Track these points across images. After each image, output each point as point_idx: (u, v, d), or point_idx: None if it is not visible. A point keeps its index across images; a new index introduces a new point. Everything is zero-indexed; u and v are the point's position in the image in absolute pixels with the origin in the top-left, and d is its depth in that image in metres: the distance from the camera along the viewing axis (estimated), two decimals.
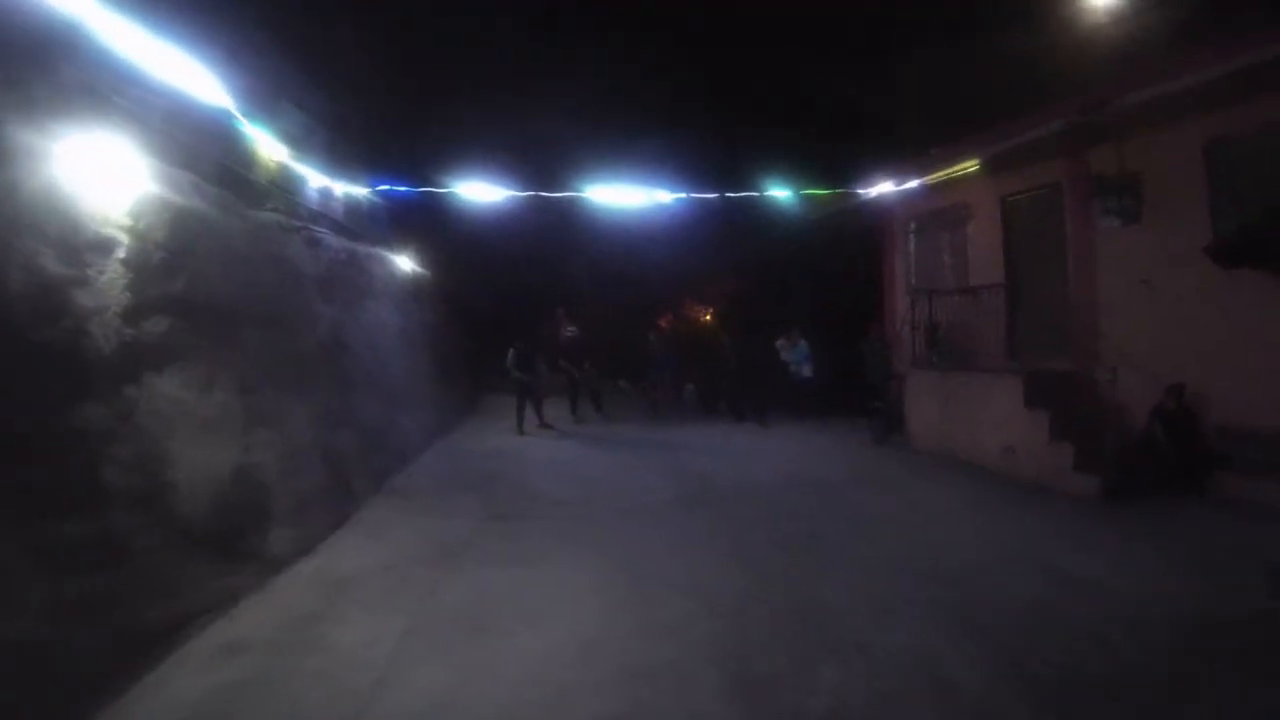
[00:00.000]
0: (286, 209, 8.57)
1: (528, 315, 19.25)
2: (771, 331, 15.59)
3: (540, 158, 15.18)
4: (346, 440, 8.02)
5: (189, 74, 6.43)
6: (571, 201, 12.97)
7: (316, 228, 9.19)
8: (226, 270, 6.51)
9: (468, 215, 15.06)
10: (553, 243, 18.75)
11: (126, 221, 5.40)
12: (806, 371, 14.85)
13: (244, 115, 7.59)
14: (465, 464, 10.13)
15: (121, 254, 5.30)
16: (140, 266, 5.44)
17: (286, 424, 6.81)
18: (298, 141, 9.54)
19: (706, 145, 16.77)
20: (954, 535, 7.02)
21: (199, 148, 6.82)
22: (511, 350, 13.38)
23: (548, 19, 15.52)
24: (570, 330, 15.17)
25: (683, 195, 12.07)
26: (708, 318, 21.26)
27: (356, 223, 11.09)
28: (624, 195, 12.37)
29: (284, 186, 8.68)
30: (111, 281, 5.14)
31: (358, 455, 8.19)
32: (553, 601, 5.29)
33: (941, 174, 11.59)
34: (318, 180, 9.60)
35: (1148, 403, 8.79)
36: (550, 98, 16.25)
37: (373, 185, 11.73)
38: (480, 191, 12.11)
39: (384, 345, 10.49)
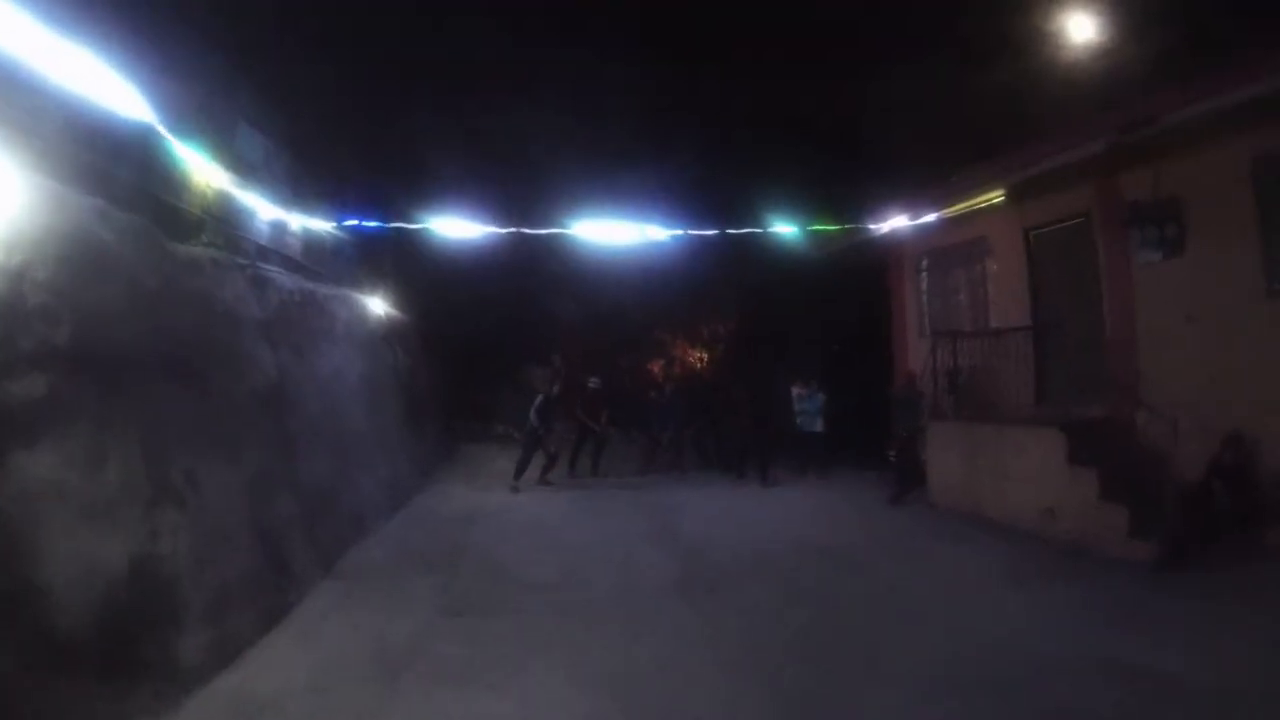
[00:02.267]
0: (226, 243, 7.50)
1: (513, 358, 18.23)
2: (776, 378, 14.53)
3: (525, 191, 14.22)
4: (287, 512, 6.85)
5: (101, 81, 5.40)
6: (558, 238, 12.00)
7: (265, 265, 8.13)
8: (133, 314, 5.41)
9: (447, 253, 14.16)
10: (539, 281, 17.70)
11: None
12: (818, 426, 13.58)
13: (175, 134, 6.56)
14: (432, 532, 8.93)
15: None
16: (10, 313, 4.34)
17: (207, 498, 5.64)
18: (255, 168, 8.57)
19: (704, 178, 15.86)
20: (1003, 623, 5.91)
21: (109, 168, 5.75)
22: (541, 397, 12.40)
23: (534, 42, 14.62)
24: (593, 382, 14.12)
25: (679, 232, 11.04)
26: (702, 361, 20.10)
27: (318, 260, 10.03)
28: (615, 231, 11.35)
29: (223, 217, 7.62)
30: None
31: (302, 530, 7.02)
32: None
33: (960, 206, 10.61)
34: (269, 212, 8.55)
35: (1193, 450, 7.81)
36: (536, 127, 15.33)
37: (340, 220, 10.68)
38: (459, 228, 11.10)
39: (344, 395, 9.36)
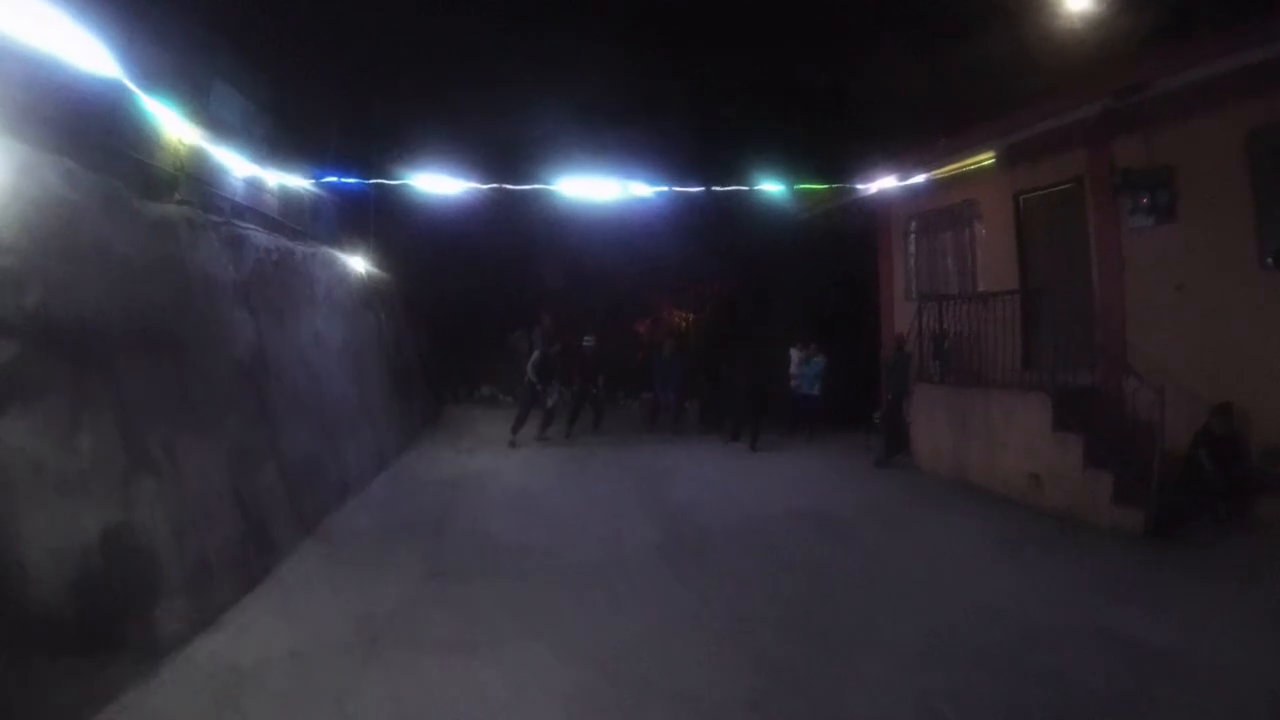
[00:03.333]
0: (200, 202, 7.29)
1: (500, 322, 18.06)
2: (768, 342, 14.42)
3: (510, 148, 13.99)
4: (268, 479, 6.74)
5: (68, 37, 5.19)
6: (543, 196, 11.83)
7: (241, 224, 7.91)
8: (105, 279, 5.24)
9: (432, 215, 13.95)
10: (524, 241, 17.49)
11: None
12: (815, 389, 13.37)
13: (146, 90, 6.34)
14: (415, 496, 8.86)
15: None
16: None
17: (185, 468, 5.53)
18: (231, 126, 8.37)
19: (690, 136, 15.61)
20: (991, 592, 5.92)
21: (77, 127, 5.55)
22: (538, 353, 12.47)
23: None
24: (587, 340, 14.02)
25: (664, 189, 10.86)
26: (688, 321, 19.95)
27: (296, 219, 9.81)
28: (600, 188, 11.14)
29: (197, 175, 7.41)
30: None
31: (283, 496, 6.92)
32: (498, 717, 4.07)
33: (950, 168, 10.48)
34: (245, 168, 8.33)
35: (1180, 421, 7.75)
36: (519, 82, 15.01)
37: (319, 177, 10.43)
38: (443, 184, 10.88)
39: (325, 359, 9.21)
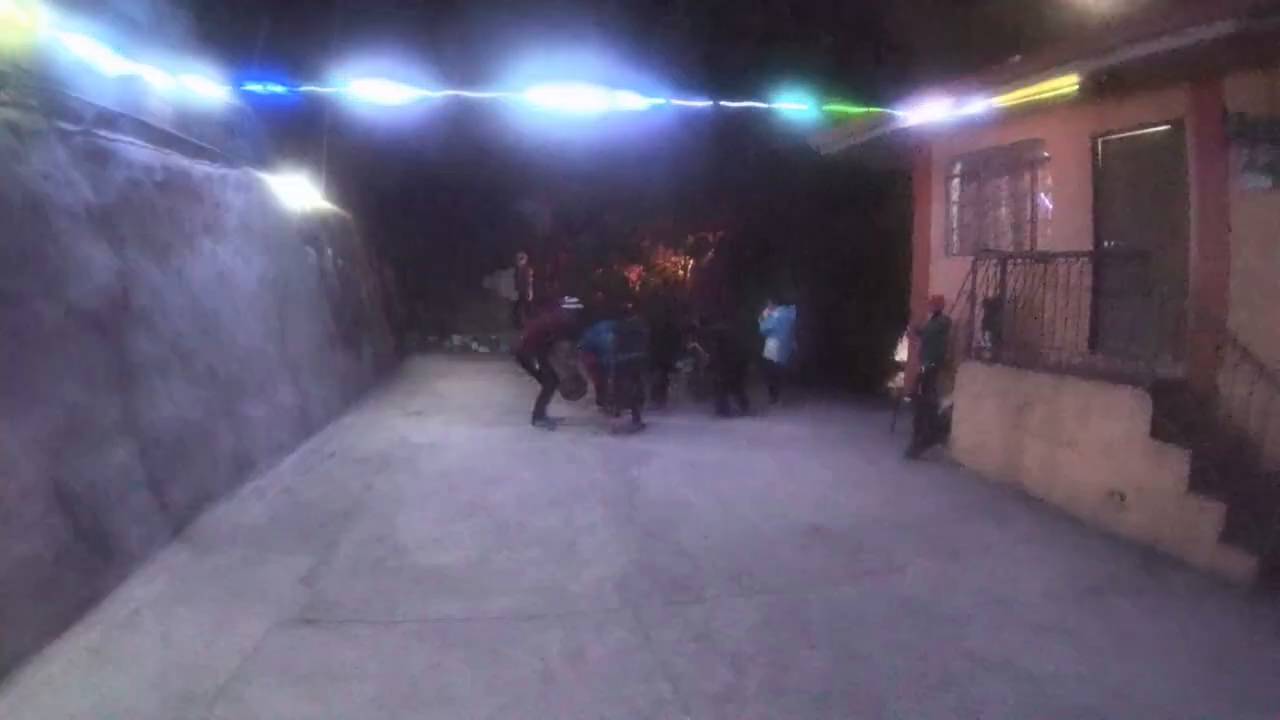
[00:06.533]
0: (43, 104, 5.44)
1: (477, 261, 16.30)
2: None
3: (489, 53, 12.00)
4: (116, 463, 5.05)
5: None
6: (528, 120, 9.90)
7: (109, 134, 6.07)
8: None
9: (401, 139, 12.10)
10: (507, 176, 15.48)
11: None
12: (775, 352, 11.53)
13: None
14: (331, 479, 7.18)
15: None
16: None
17: None
18: (140, 28, 6.68)
19: (694, 49, 13.63)
20: (1100, 687, 4.16)
21: None
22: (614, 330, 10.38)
23: None
24: (572, 302, 11.42)
25: (662, 101, 8.90)
26: (686, 270, 17.91)
27: (200, 132, 7.89)
28: (592, 102, 9.08)
29: (40, 70, 5.54)
30: None
31: (139, 485, 5.24)
32: None
33: (1017, 94, 8.42)
34: (119, 65, 6.42)
35: None
36: None
37: (240, 84, 8.42)
38: (401, 94, 8.86)
39: (232, 304, 7.43)
